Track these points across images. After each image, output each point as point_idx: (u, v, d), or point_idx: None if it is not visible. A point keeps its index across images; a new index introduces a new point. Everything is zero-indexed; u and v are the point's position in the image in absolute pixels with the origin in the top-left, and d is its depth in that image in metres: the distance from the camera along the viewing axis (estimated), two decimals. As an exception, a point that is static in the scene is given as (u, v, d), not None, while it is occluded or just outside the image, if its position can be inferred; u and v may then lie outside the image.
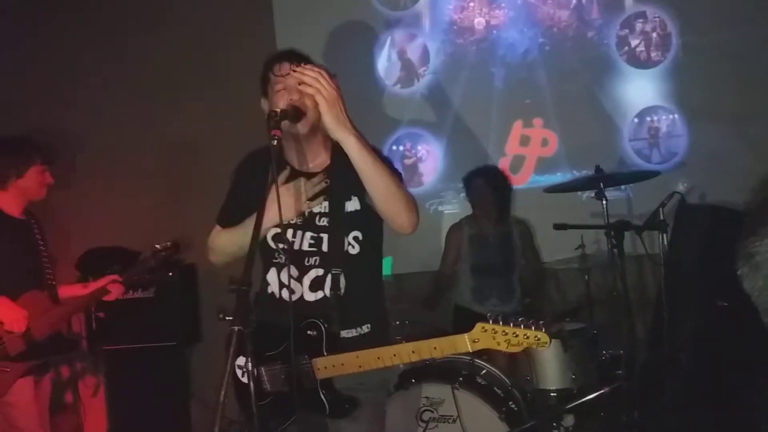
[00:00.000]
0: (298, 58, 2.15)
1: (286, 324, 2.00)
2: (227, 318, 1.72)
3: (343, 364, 2.05)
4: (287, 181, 2.16)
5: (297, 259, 2.16)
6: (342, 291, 2.13)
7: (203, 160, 4.63)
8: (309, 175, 2.18)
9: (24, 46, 4.94)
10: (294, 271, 2.15)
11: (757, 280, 0.94)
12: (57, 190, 3.20)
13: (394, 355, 2.02)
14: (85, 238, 4.55)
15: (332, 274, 2.13)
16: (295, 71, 2.01)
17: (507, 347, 1.89)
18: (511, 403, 3.27)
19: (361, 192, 2.11)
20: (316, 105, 1.96)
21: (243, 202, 2.16)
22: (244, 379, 2.13)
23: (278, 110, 1.96)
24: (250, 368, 1.79)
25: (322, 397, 2.08)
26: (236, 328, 1.65)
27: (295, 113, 2.01)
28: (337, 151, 2.10)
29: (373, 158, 1.99)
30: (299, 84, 1.99)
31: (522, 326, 1.87)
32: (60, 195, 3.34)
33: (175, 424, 4.17)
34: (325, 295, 2.14)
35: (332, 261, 2.14)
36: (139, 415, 3.92)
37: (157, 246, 3.20)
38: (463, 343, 1.94)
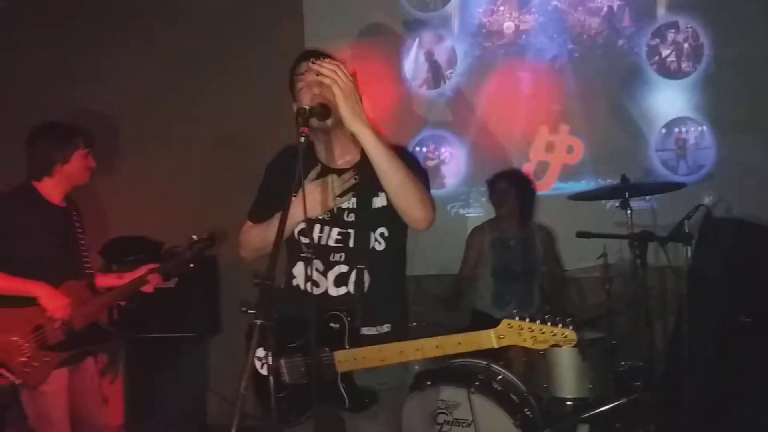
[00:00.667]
0: (316, 55, 2.16)
1: (309, 316, 2.02)
2: (250, 311, 1.73)
3: (364, 357, 2.05)
4: (317, 177, 2.18)
5: (323, 254, 2.17)
6: (366, 287, 2.14)
7: (235, 156, 4.65)
8: (339, 172, 2.20)
9: (65, 32, 5.01)
10: (320, 266, 2.17)
11: None
12: (97, 175, 3.18)
13: (417, 349, 2.03)
14: (116, 225, 4.59)
15: (357, 270, 2.15)
16: (313, 64, 2.05)
17: (533, 344, 1.90)
18: (526, 410, 3.25)
19: None
20: None
21: (274, 198, 2.16)
22: (263, 371, 2.14)
23: (306, 107, 1.98)
24: (270, 362, 1.80)
25: (342, 390, 2.08)
26: (259, 321, 1.66)
27: (323, 110, 2.02)
28: None
29: (388, 151, 2.01)
30: (317, 75, 2.02)
31: (549, 323, 1.89)
32: (98, 181, 3.34)
33: (191, 414, 4.20)
34: (349, 291, 2.15)
35: (358, 257, 2.15)
36: (157, 404, 3.95)
37: (194, 237, 3.16)
38: (489, 338, 1.94)
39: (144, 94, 4.90)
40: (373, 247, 2.17)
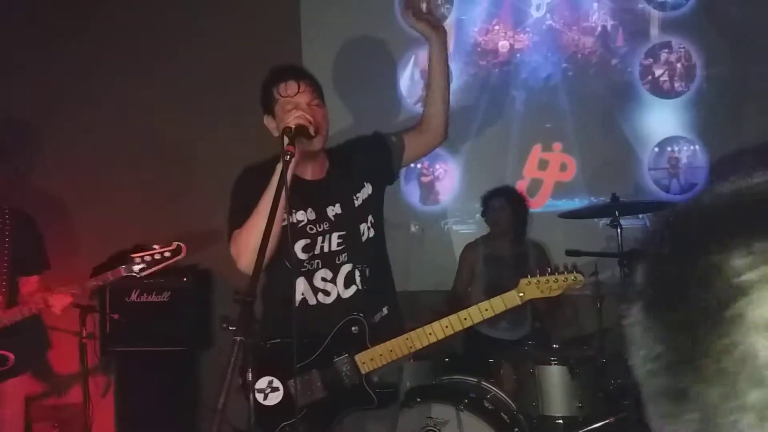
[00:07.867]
0: (299, 74, 2.22)
1: (322, 330, 2.11)
2: (230, 328, 1.76)
3: (391, 350, 2.12)
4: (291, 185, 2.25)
5: (329, 261, 2.23)
6: (368, 278, 2.23)
7: (199, 167, 4.66)
8: (307, 183, 2.26)
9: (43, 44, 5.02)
10: (327, 274, 2.22)
11: None
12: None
13: (446, 326, 2.15)
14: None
15: (360, 265, 2.23)
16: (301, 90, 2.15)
17: (549, 292, 2.20)
18: (516, 428, 3.25)
19: (372, 177, 2.27)
20: (327, 121, 2.15)
21: (253, 203, 2.16)
22: (266, 403, 2.15)
23: (293, 126, 2.01)
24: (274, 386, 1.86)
25: (368, 389, 2.14)
26: (238, 338, 1.68)
27: (307, 130, 2.06)
28: (333, 159, 2.28)
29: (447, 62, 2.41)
30: (307, 102, 2.12)
31: (557, 273, 2.23)
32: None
33: (182, 428, 4.19)
34: (358, 288, 2.21)
35: (358, 252, 2.24)
36: (147, 417, 3.94)
37: (155, 247, 2.80)
38: (513, 298, 2.21)
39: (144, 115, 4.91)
40: (368, 237, 2.26)
